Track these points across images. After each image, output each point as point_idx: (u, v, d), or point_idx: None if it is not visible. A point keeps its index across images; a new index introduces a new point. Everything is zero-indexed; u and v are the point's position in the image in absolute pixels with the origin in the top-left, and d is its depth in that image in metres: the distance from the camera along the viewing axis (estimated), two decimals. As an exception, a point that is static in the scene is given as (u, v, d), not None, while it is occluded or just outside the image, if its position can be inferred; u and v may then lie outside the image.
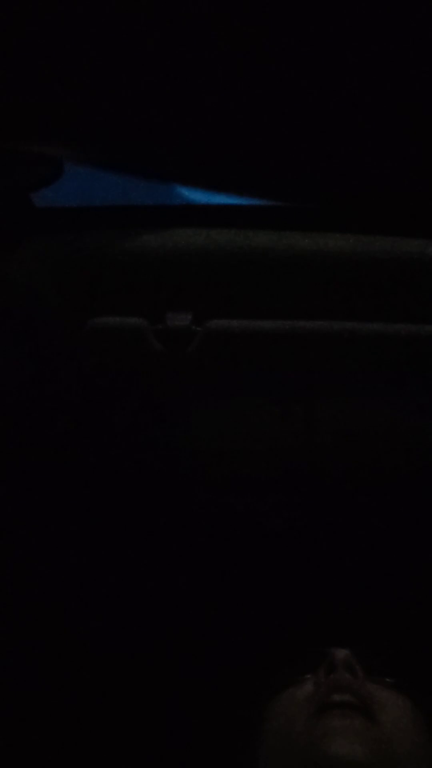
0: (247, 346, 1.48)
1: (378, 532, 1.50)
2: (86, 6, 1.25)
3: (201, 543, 1.51)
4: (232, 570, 1.51)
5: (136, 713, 1.42)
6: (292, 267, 1.49)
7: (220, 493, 1.52)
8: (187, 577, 1.50)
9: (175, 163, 1.53)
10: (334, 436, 1.50)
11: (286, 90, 1.34)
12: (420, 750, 1.14)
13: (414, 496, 1.49)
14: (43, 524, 1.50)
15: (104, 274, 1.53)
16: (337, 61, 1.29)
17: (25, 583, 1.47)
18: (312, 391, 1.49)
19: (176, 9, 1.25)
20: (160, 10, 1.26)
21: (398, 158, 1.36)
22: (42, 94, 1.39)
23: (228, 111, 1.38)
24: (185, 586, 1.50)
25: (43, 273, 1.53)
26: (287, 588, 1.49)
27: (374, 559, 1.50)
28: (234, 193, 1.56)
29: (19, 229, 1.56)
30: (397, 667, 1.23)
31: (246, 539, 1.51)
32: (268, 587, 1.50)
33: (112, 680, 1.45)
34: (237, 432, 1.51)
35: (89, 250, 1.54)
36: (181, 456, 1.52)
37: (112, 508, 1.51)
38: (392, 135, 1.34)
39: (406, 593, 1.48)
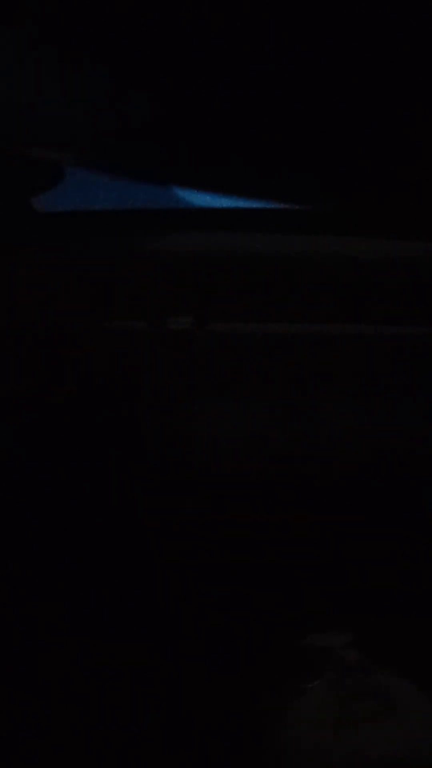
0: (247, 349, 1.48)
1: (378, 533, 1.50)
2: (85, 8, 1.25)
3: (200, 542, 1.51)
4: (231, 569, 1.50)
5: (135, 715, 1.42)
6: (293, 270, 1.49)
7: (221, 493, 1.51)
8: (186, 576, 1.50)
9: (176, 166, 1.53)
10: (334, 438, 1.49)
11: (286, 92, 1.34)
12: None
13: (414, 497, 1.49)
14: (44, 524, 1.50)
15: (105, 278, 1.53)
16: (337, 63, 1.29)
17: (25, 581, 1.47)
18: (313, 394, 1.49)
19: (175, 10, 1.25)
20: (159, 12, 1.25)
21: (399, 159, 1.36)
22: (41, 97, 1.39)
23: (228, 113, 1.38)
24: (185, 584, 1.50)
25: (44, 278, 1.53)
26: (286, 588, 1.49)
27: (374, 558, 1.49)
28: (235, 196, 1.56)
29: (21, 234, 1.56)
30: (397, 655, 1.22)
31: (245, 539, 1.51)
32: (267, 587, 1.49)
33: (110, 680, 1.44)
34: (238, 434, 1.51)
35: (90, 254, 1.54)
36: (182, 458, 1.52)
37: (112, 508, 1.51)
38: (393, 136, 1.34)
39: (406, 592, 1.47)
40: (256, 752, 1.21)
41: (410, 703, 1.14)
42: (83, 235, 1.59)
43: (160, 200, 1.66)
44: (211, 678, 1.40)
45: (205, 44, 1.28)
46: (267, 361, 1.48)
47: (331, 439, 1.50)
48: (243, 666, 1.41)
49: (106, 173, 1.57)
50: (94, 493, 1.51)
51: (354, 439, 1.49)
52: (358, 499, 1.50)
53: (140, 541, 1.51)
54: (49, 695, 1.43)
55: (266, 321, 1.48)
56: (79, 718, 1.40)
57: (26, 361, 1.51)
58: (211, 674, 1.41)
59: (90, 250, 1.56)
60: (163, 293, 1.51)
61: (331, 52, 1.29)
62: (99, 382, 1.52)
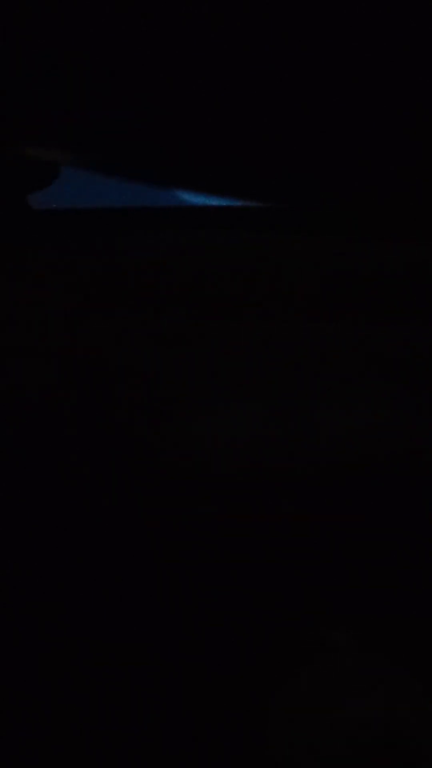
0: (245, 348, 1.48)
1: (377, 533, 1.50)
2: (85, 8, 1.25)
3: (199, 542, 1.51)
4: (230, 569, 1.50)
5: (131, 709, 1.41)
6: (291, 269, 1.49)
7: (219, 494, 1.51)
8: (185, 576, 1.50)
9: (173, 165, 1.53)
10: (333, 438, 1.49)
11: (285, 92, 1.34)
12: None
13: (414, 497, 1.49)
14: (43, 525, 1.50)
15: (102, 276, 1.53)
16: (337, 63, 1.29)
17: (25, 581, 1.47)
18: (311, 394, 1.49)
19: (174, 11, 1.25)
20: (159, 13, 1.25)
21: (399, 159, 1.36)
22: (38, 96, 1.39)
23: (226, 113, 1.38)
24: (183, 583, 1.50)
25: (41, 276, 1.53)
26: (284, 586, 1.49)
27: (373, 558, 1.49)
28: (232, 196, 1.56)
29: (17, 232, 1.56)
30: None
31: (244, 539, 1.51)
32: (266, 585, 1.49)
33: (107, 668, 1.44)
34: (235, 434, 1.51)
35: (87, 252, 1.54)
36: (179, 458, 1.52)
37: (110, 509, 1.51)
38: (392, 136, 1.34)
39: (405, 597, 1.47)
40: (246, 733, 1.21)
41: (399, 685, 1.15)
42: (80, 233, 1.59)
43: (156, 198, 1.66)
44: (205, 661, 1.40)
45: (204, 45, 1.28)
46: (266, 361, 1.48)
47: (331, 439, 1.50)
48: (238, 651, 1.41)
49: (104, 173, 1.57)
50: (92, 494, 1.51)
51: (354, 438, 1.49)
52: (357, 501, 1.50)
53: (140, 540, 1.51)
54: (46, 685, 1.43)
55: (264, 320, 1.48)
56: (76, 711, 1.40)
57: (25, 360, 1.51)
58: (205, 659, 1.41)
59: (87, 249, 1.56)
60: (160, 292, 1.51)
61: (331, 53, 1.29)
62: (97, 381, 1.52)
